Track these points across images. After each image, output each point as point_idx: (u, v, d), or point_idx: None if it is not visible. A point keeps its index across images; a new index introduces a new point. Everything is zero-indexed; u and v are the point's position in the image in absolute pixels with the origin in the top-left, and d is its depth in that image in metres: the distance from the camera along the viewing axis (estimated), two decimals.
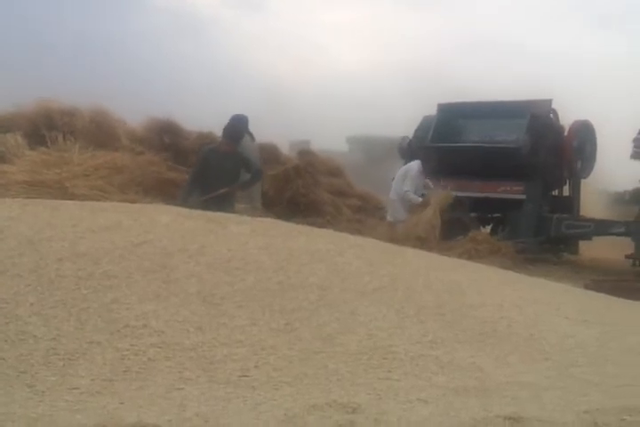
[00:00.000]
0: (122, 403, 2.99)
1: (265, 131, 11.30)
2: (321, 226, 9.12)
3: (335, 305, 4.26)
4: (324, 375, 3.47)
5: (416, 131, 13.16)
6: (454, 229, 11.63)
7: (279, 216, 9.34)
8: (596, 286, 7.39)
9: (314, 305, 4.19)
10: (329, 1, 42.82)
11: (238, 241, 5.01)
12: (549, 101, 12.54)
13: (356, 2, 41.68)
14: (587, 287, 7.41)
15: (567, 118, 12.70)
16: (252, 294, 4.17)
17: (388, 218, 11.95)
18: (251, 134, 10.08)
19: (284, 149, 15.49)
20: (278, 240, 5.21)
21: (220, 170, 8.41)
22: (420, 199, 11.41)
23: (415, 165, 11.63)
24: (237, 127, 9.15)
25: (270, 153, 12.65)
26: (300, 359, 3.58)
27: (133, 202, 8.13)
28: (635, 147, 11.08)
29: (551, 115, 12.64)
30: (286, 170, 12.56)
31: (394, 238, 9.53)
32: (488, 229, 13.11)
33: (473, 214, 12.62)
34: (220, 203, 7.96)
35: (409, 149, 12.62)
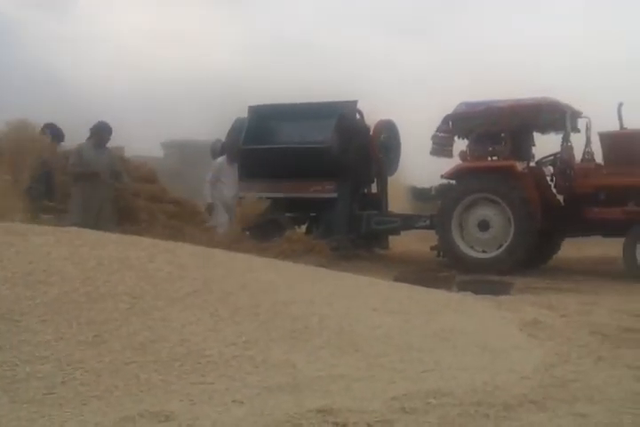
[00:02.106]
0: None
1: (76, 137, 10.94)
2: (135, 233, 8.92)
3: (147, 313, 4.19)
4: (135, 386, 3.40)
5: (228, 133, 13.21)
6: (270, 229, 11.81)
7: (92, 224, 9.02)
8: (403, 278, 7.77)
9: (124, 314, 4.09)
10: (142, 4, 41.83)
11: (40, 252, 4.79)
12: (355, 102, 13.01)
13: (168, 5, 41.04)
14: (395, 279, 7.77)
15: (372, 118, 13.24)
16: (56, 307, 4.00)
17: (209, 222, 11.94)
18: None
19: None
20: (85, 249, 5.04)
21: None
22: (209, 198, 11.62)
23: (220, 159, 11.84)
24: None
25: None
26: (109, 372, 3.48)
27: None
28: (433, 143, 11.71)
29: (357, 115, 13.12)
30: None
31: (212, 242, 9.53)
32: (304, 228, 13.41)
33: (288, 214, 12.86)
34: None
35: (222, 152, 12.63)
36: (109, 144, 10.48)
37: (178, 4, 40.71)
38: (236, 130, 13.06)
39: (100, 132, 10.14)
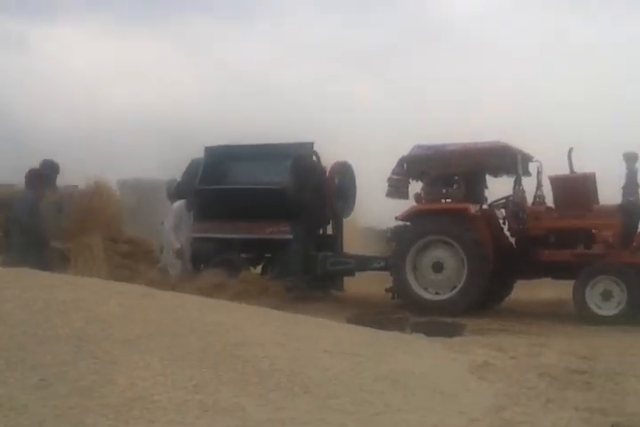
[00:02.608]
0: None
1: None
2: (87, 274, 8.82)
3: (95, 356, 4.13)
4: None
5: (184, 173, 13.21)
6: (225, 270, 11.76)
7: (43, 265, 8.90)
8: (357, 320, 7.79)
9: (71, 358, 4.03)
10: (98, 43, 41.84)
11: None
12: (311, 144, 13.13)
13: (123, 43, 41.18)
14: (349, 321, 7.78)
15: (328, 160, 13.38)
16: (0, 350, 3.92)
17: (161, 262, 11.87)
18: None
19: None
20: (33, 291, 4.97)
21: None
22: (177, 244, 11.49)
23: (178, 203, 11.78)
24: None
25: None
26: (54, 416, 3.41)
27: None
28: (389, 186, 11.84)
29: (314, 156, 13.23)
30: None
31: (165, 284, 9.47)
32: (259, 269, 13.38)
33: (243, 255, 12.83)
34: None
35: (177, 192, 12.62)
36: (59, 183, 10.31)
37: (133, 44, 40.84)
38: (191, 170, 13.08)
39: (47, 171, 9.86)
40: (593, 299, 10.08)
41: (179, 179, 13.21)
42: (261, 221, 12.44)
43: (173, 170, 13.73)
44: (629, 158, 10.49)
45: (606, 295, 10.06)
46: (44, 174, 9.68)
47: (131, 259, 12.64)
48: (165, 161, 14.11)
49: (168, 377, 4.07)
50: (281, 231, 12.50)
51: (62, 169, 10.55)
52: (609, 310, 10.02)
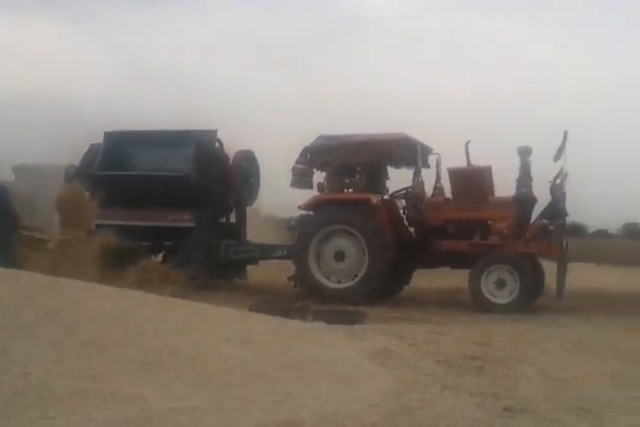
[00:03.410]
0: None
1: None
2: None
3: None
4: None
5: (83, 159, 12.84)
6: (125, 258, 11.51)
7: None
8: (258, 308, 7.78)
9: None
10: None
11: None
12: (215, 131, 12.96)
13: (25, 23, 39.58)
14: (251, 310, 7.76)
15: (232, 148, 13.26)
16: None
17: None
18: None
19: None
20: None
21: None
22: None
23: None
24: None
25: None
26: None
27: None
28: (293, 175, 11.84)
29: (217, 144, 13.08)
30: None
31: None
32: (160, 257, 13.16)
33: (144, 243, 12.58)
34: None
35: (76, 178, 12.25)
36: None
37: (34, 22, 39.38)
38: (90, 155, 12.71)
39: None
40: (487, 287, 10.40)
41: (77, 164, 12.81)
42: (163, 208, 12.24)
43: (72, 155, 13.31)
44: (523, 152, 10.83)
45: (500, 284, 10.40)
46: None
47: (25, 246, 12.20)
48: (64, 146, 13.62)
49: (63, 366, 3.96)
50: (183, 219, 12.33)
51: None
52: (502, 298, 10.36)
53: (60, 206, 11.38)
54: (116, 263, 11.23)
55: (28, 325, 4.36)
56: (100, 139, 12.92)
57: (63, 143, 14.19)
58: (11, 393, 3.50)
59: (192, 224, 12.32)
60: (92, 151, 12.81)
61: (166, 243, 13.11)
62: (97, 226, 11.96)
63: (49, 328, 4.39)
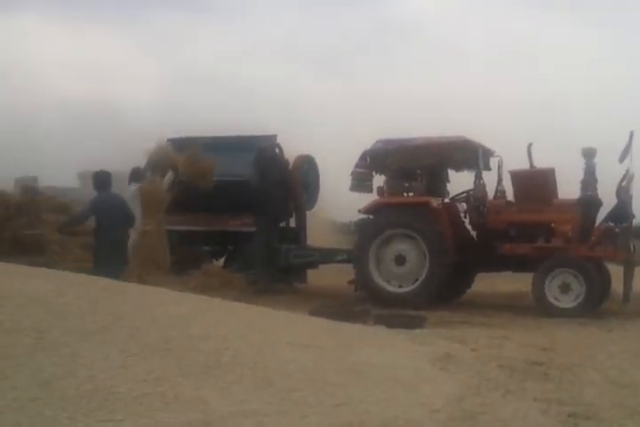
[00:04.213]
0: None
1: None
2: (46, 266, 8.69)
3: (54, 348, 4.07)
4: (40, 424, 3.29)
5: (146, 164, 13.05)
6: (187, 262, 11.68)
7: None
8: (319, 312, 7.79)
9: (29, 350, 3.96)
10: (60, 34, 41.30)
11: None
12: (274, 136, 13.10)
13: (87, 36, 40.72)
14: (311, 314, 7.78)
15: (291, 153, 13.36)
16: None
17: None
18: None
19: (9, 185, 14.67)
20: None
21: None
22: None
23: (135, 186, 11.59)
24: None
25: None
26: (13, 409, 3.35)
27: None
28: (352, 179, 11.87)
29: (277, 149, 13.19)
30: (7, 208, 11.82)
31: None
32: (222, 261, 13.32)
33: (206, 248, 12.76)
34: None
35: (132, 178, 12.46)
36: None
37: (96, 35, 40.42)
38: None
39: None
40: (552, 292, 10.23)
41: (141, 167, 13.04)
42: (224, 213, 12.39)
43: (136, 162, 13.57)
44: (588, 154, 10.63)
45: (565, 288, 10.21)
46: None
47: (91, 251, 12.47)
48: (126, 153, 13.91)
49: (128, 369, 4.03)
50: (244, 224, 12.46)
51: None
52: (567, 302, 10.18)
53: (142, 198, 11.53)
54: (180, 268, 11.42)
55: (94, 329, 4.46)
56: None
57: (125, 150, 14.51)
58: (78, 396, 3.57)
59: (253, 229, 12.43)
60: None
61: (228, 247, 13.28)
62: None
63: (115, 333, 4.48)
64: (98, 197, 9.43)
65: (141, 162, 13.10)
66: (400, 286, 11.22)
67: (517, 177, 11.11)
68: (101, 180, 9.59)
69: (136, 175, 12.19)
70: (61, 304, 4.79)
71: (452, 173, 12.25)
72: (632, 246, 10.45)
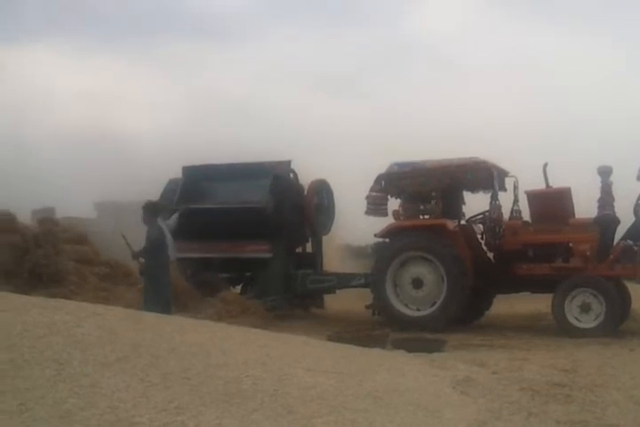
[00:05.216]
0: None
1: (3, 198, 10.79)
2: (64, 296, 8.75)
3: (74, 379, 4.08)
4: None
5: (162, 194, 13.16)
6: (204, 290, 11.71)
7: (18, 288, 8.85)
8: (337, 338, 7.76)
9: (50, 381, 3.98)
10: (75, 63, 41.87)
11: None
12: (289, 162, 13.18)
13: (103, 65, 41.29)
14: (330, 339, 7.75)
15: (306, 178, 13.42)
16: None
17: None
18: None
19: (26, 217, 14.80)
20: (9, 315, 4.91)
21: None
22: None
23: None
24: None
25: (5, 222, 12.00)
26: None
27: None
28: (368, 203, 11.89)
29: (291, 175, 13.26)
30: (25, 240, 11.94)
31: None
32: (239, 288, 13.33)
33: (223, 275, 12.77)
34: None
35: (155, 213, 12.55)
36: None
37: (111, 64, 40.93)
38: (169, 190, 13.04)
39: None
40: (572, 312, 10.14)
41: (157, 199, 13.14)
42: (241, 240, 12.42)
43: (151, 191, 13.68)
44: (604, 172, 10.61)
45: (585, 308, 10.12)
46: None
47: (109, 281, 12.56)
48: (141, 183, 14.06)
49: (149, 399, 4.03)
50: (260, 250, 12.48)
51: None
52: (588, 322, 10.08)
53: None
54: (198, 296, 11.44)
55: (113, 359, 4.47)
56: (178, 174, 13.25)
57: (140, 180, 14.64)
58: None
59: (269, 255, 12.45)
60: (170, 186, 13.14)
61: (245, 274, 13.30)
62: (178, 259, 12.20)
63: (134, 362, 4.49)
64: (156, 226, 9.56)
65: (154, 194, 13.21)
66: (418, 310, 11.17)
67: (534, 197, 11.08)
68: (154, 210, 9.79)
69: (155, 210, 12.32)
70: (80, 334, 4.80)
71: (467, 195, 12.25)
72: None
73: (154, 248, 9.32)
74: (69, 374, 4.12)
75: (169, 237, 9.55)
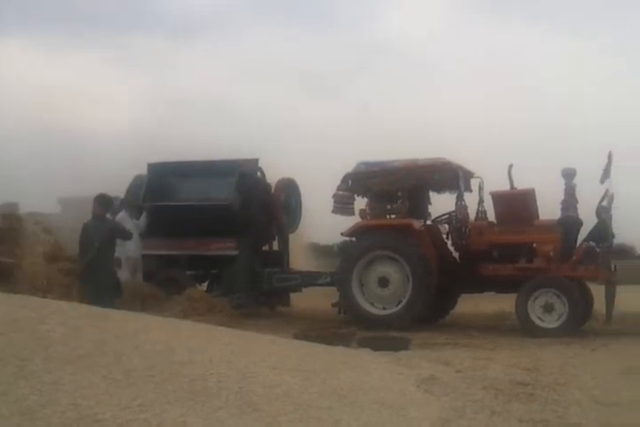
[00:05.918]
0: None
1: None
2: (28, 293, 8.63)
3: (36, 376, 4.02)
4: None
5: (128, 190, 13.05)
6: (170, 287, 11.63)
7: None
8: (303, 336, 7.77)
9: (11, 378, 3.92)
10: (46, 58, 41.20)
11: None
12: (256, 160, 13.13)
13: (72, 60, 40.67)
14: (295, 337, 7.75)
15: (273, 176, 13.38)
16: None
17: None
18: None
19: None
20: None
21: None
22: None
23: (121, 215, 11.56)
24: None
25: None
26: None
27: None
28: (335, 202, 11.90)
29: (259, 173, 13.22)
30: None
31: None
32: (205, 286, 13.27)
33: (189, 272, 12.70)
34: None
35: (121, 209, 12.45)
36: None
37: (84, 61, 40.45)
38: (135, 186, 12.93)
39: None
40: (535, 312, 10.26)
41: (122, 196, 13.02)
42: (207, 237, 12.36)
43: (118, 187, 13.55)
44: (567, 174, 10.75)
45: (548, 308, 10.25)
46: None
47: (73, 277, 12.38)
48: (107, 178, 13.87)
49: (112, 396, 3.99)
50: (227, 247, 12.43)
51: None
52: (551, 322, 10.21)
53: None
54: (162, 293, 11.36)
55: (76, 356, 4.42)
56: (143, 170, 13.14)
57: (106, 175, 14.47)
58: (61, 424, 3.53)
59: (236, 252, 12.41)
60: (136, 182, 13.03)
61: (211, 271, 13.24)
62: (143, 256, 12.10)
63: (98, 359, 4.44)
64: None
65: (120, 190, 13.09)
66: (384, 308, 11.21)
67: (498, 198, 11.19)
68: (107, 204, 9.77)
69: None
70: (43, 331, 4.74)
71: (433, 195, 12.32)
72: (613, 266, 10.52)
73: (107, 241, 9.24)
74: (31, 371, 4.06)
75: (130, 234, 9.49)
